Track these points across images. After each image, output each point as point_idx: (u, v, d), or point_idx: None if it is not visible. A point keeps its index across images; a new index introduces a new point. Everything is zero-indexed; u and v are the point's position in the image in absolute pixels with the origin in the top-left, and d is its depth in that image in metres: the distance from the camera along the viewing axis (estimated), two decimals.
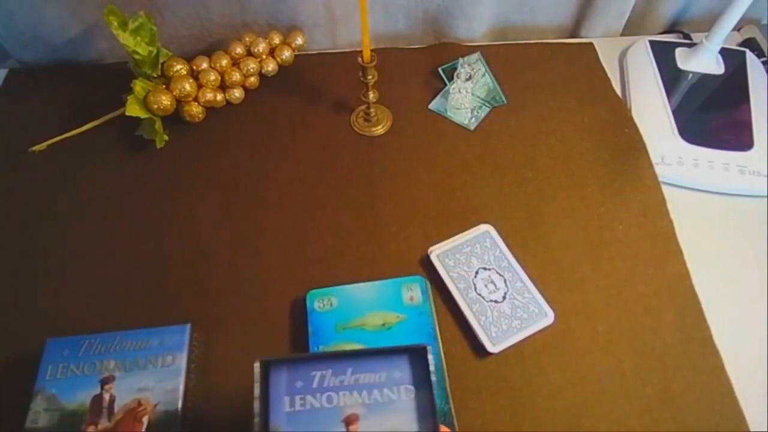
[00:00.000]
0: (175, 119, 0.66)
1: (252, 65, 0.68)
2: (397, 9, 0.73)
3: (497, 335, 0.49)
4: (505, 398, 0.47)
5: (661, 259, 0.55)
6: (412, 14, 0.74)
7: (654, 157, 0.61)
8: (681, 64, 0.70)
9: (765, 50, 0.72)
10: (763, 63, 0.70)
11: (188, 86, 0.64)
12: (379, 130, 0.66)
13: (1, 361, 0.50)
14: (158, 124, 0.63)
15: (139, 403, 0.43)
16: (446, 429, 0.35)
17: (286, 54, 0.70)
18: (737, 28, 0.71)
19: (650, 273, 0.54)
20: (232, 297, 0.53)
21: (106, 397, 0.44)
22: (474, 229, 0.57)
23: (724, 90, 0.67)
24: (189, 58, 0.67)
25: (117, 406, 0.43)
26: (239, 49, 0.68)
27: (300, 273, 0.54)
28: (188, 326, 0.47)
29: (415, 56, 0.74)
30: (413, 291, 0.52)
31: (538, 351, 0.50)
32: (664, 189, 0.60)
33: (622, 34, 0.78)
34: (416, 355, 0.35)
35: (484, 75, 0.70)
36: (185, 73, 0.66)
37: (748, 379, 0.48)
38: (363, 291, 0.52)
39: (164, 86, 0.64)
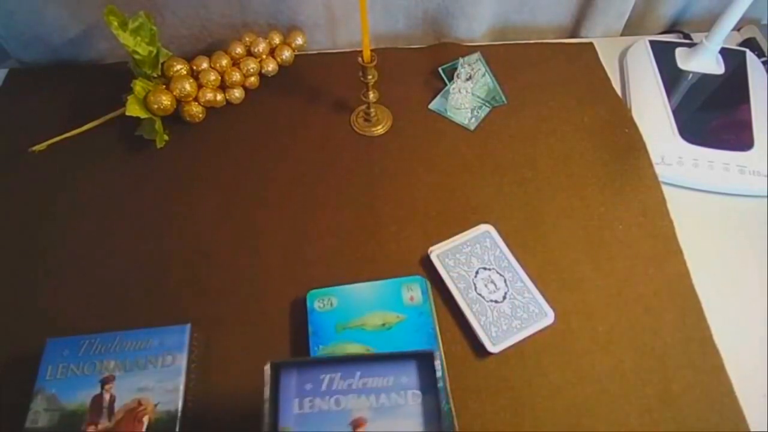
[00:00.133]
0: (175, 119, 0.66)
1: (252, 65, 0.68)
2: (397, 9, 0.73)
3: (497, 335, 0.49)
4: (505, 398, 0.47)
5: (661, 259, 0.55)
6: (412, 14, 0.74)
7: (654, 157, 0.61)
8: (681, 64, 0.70)
9: (765, 50, 0.72)
10: (763, 63, 0.70)
11: (188, 86, 0.64)
12: (379, 130, 0.66)
13: (1, 361, 0.50)
14: (158, 124, 0.63)
15: (140, 403, 0.44)
16: None
17: (286, 54, 0.70)
18: (737, 28, 0.71)
19: (650, 273, 0.54)
20: (232, 297, 0.53)
21: (107, 397, 0.44)
22: (474, 229, 0.57)
23: (724, 90, 0.67)
24: (189, 58, 0.67)
25: (117, 406, 0.43)
26: (239, 49, 0.68)
27: (300, 273, 0.54)
28: (188, 326, 0.47)
29: (415, 56, 0.74)
30: (413, 291, 0.52)
31: (538, 351, 0.50)
32: (664, 189, 0.60)
33: (622, 34, 0.78)
34: (424, 360, 0.36)
35: (484, 75, 0.70)
36: (185, 73, 0.66)
37: (748, 379, 0.48)
38: (363, 291, 0.52)
39: (164, 86, 0.64)
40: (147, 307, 0.53)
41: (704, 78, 0.68)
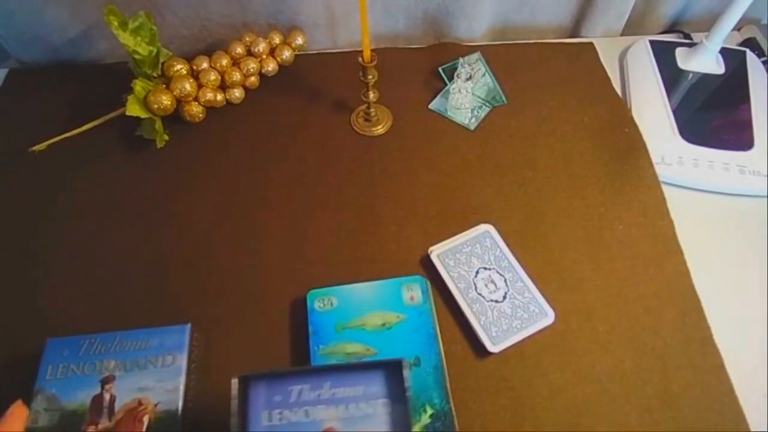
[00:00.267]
0: (175, 119, 0.66)
1: (252, 65, 0.68)
2: (397, 9, 0.73)
3: (497, 335, 0.49)
4: (505, 398, 0.47)
5: (661, 259, 0.55)
6: (412, 14, 0.74)
7: (654, 157, 0.61)
8: (681, 64, 0.70)
9: (765, 50, 0.72)
10: (764, 63, 0.70)
11: (188, 86, 0.64)
12: (380, 129, 0.66)
13: (1, 361, 0.50)
14: (158, 124, 0.63)
15: (140, 403, 0.44)
16: None
17: (286, 54, 0.70)
18: (737, 28, 0.71)
19: (650, 273, 0.54)
20: (232, 297, 0.53)
21: (107, 396, 0.44)
22: (474, 228, 0.57)
23: (725, 90, 0.67)
24: (189, 58, 0.67)
25: (117, 405, 0.43)
26: (239, 49, 0.68)
27: (300, 273, 0.54)
28: (188, 326, 0.47)
29: (415, 56, 0.74)
30: (413, 291, 0.52)
31: (538, 351, 0.50)
32: (664, 189, 0.60)
33: (622, 34, 0.78)
34: (392, 369, 0.35)
35: (484, 75, 0.70)
36: (185, 72, 0.65)
37: (748, 379, 0.48)
38: (363, 291, 0.52)
39: (164, 86, 0.64)
40: (147, 307, 0.53)
41: (704, 78, 0.68)
